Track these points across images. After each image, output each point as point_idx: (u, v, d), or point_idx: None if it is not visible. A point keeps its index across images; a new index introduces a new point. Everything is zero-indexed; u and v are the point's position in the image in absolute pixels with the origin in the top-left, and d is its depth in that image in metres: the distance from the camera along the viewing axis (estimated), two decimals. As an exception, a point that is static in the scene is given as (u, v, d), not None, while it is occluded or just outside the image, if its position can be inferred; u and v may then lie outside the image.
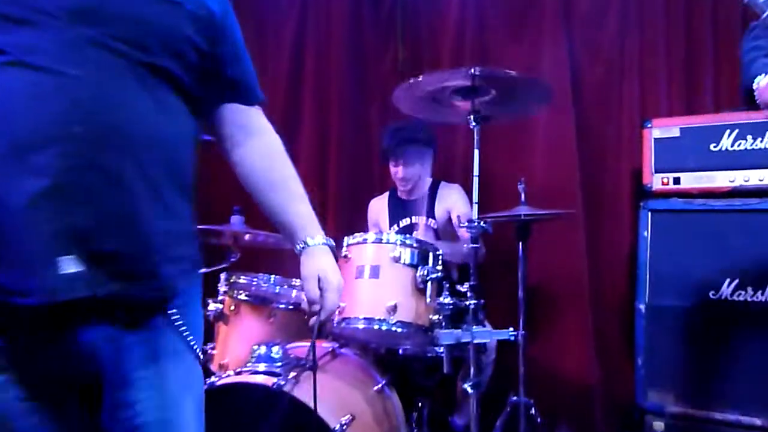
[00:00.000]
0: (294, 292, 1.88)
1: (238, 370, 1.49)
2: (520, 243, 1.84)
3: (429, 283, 1.53)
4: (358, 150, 2.56)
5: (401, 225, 2.23)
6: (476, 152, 1.60)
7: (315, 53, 2.63)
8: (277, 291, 1.86)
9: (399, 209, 2.27)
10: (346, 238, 1.61)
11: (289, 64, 2.64)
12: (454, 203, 2.15)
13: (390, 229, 2.23)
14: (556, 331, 2.23)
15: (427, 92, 1.69)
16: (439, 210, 2.18)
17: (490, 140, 2.26)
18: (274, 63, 2.65)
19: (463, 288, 1.56)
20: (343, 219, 2.50)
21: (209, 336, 1.79)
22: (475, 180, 1.58)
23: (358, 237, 1.61)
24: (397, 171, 2.16)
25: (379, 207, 2.36)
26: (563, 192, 2.24)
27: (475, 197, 1.58)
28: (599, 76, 2.31)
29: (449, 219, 2.12)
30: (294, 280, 1.90)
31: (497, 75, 1.60)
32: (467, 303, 1.53)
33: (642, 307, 1.89)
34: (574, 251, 2.23)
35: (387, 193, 2.37)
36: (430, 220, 2.19)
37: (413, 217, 2.22)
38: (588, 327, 2.20)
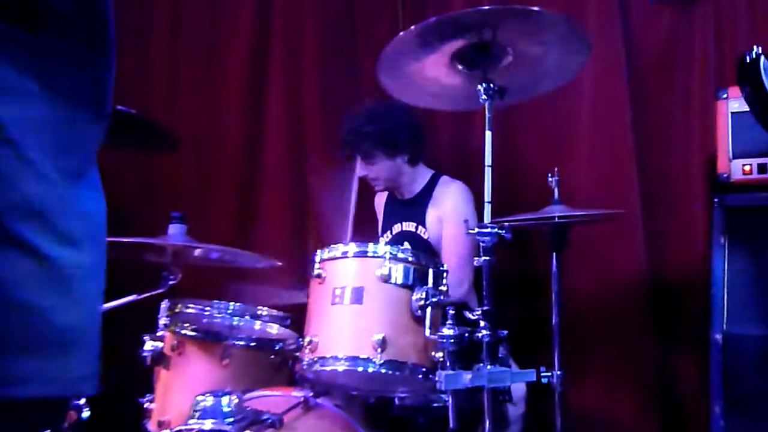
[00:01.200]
0: (257, 324, 1.92)
1: (177, 429, 1.51)
2: (554, 254, 1.86)
3: (429, 310, 1.53)
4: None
5: (394, 232, 2.28)
6: (488, 135, 1.61)
7: (285, 10, 2.71)
8: (234, 324, 1.89)
9: (393, 212, 2.33)
10: (318, 252, 1.64)
11: (252, 20, 2.72)
12: (448, 210, 2.18)
13: (382, 236, 2.27)
14: (605, 371, 2.26)
15: (419, 66, 1.72)
16: (432, 216, 2.21)
17: (510, 119, 2.36)
18: (231, 23, 2.75)
19: (475, 315, 1.57)
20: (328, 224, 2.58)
21: (146, 385, 1.83)
22: (488, 171, 1.59)
23: (335, 250, 1.63)
24: (359, 170, 2.22)
25: (379, 206, 2.43)
26: (612, 185, 2.28)
27: (488, 194, 1.59)
28: (664, 25, 2.33)
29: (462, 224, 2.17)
30: (259, 308, 1.94)
31: (515, 14, 1.58)
32: (481, 335, 1.54)
33: (719, 337, 1.90)
34: (627, 264, 2.26)
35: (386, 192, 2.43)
36: (420, 228, 2.24)
37: (404, 223, 2.27)
38: (647, 364, 2.22)
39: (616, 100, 2.32)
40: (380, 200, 2.41)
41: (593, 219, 1.98)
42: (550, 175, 1.90)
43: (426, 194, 2.27)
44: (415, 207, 2.26)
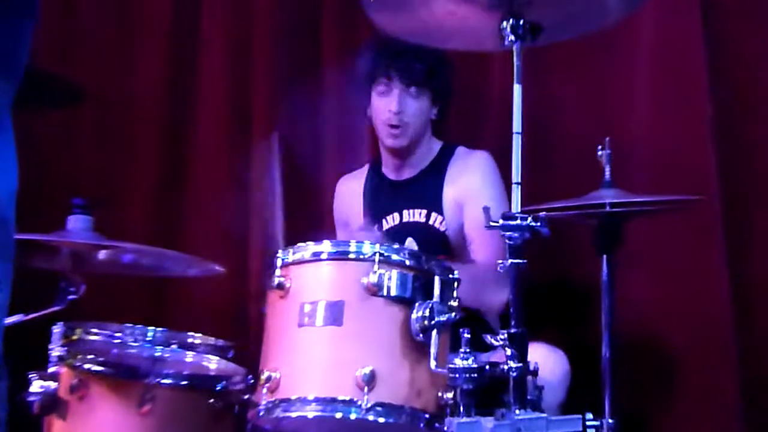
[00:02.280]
0: (189, 356, 1.91)
1: None
2: (604, 256, 1.87)
3: (434, 333, 1.54)
4: (302, 104, 2.66)
5: (387, 225, 2.29)
6: (517, 90, 1.62)
7: None
8: (157, 356, 1.88)
9: (383, 197, 2.35)
10: (280, 253, 1.65)
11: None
12: (472, 186, 2.23)
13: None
14: (672, 416, 2.26)
15: None
16: (450, 197, 2.25)
17: (543, 69, 2.36)
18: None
19: (499, 340, 1.57)
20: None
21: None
22: (517, 140, 1.60)
23: (303, 250, 1.64)
24: (388, 104, 2.25)
25: (350, 195, 2.44)
26: (684, 164, 2.29)
27: (517, 172, 1.60)
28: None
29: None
30: (190, 335, 1.93)
31: None
32: (506, 368, 1.54)
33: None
34: (702, 271, 2.27)
35: (365, 170, 2.45)
36: (434, 216, 2.26)
37: (407, 212, 2.29)
38: (730, 408, 2.22)
39: (686, 49, 2.34)
40: (352, 191, 2.43)
41: (657, 209, 1.99)
42: (599, 148, 1.90)
43: (437, 170, 2.30)
44: (424, 187, 2.29)
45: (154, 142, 2.89)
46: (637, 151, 2.25)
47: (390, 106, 2.24)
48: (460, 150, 2.32)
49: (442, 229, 2.24)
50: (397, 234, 2.24)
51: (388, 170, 2.37)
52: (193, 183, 2.85)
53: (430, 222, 2.27)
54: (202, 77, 2.87)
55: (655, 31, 2.37)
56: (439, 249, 2.18)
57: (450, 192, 2.26)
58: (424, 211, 2.27)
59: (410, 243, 2.19)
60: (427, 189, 2.28)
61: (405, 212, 2.30)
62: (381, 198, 2.37)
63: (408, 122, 2.25)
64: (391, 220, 2.31)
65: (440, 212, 2.25)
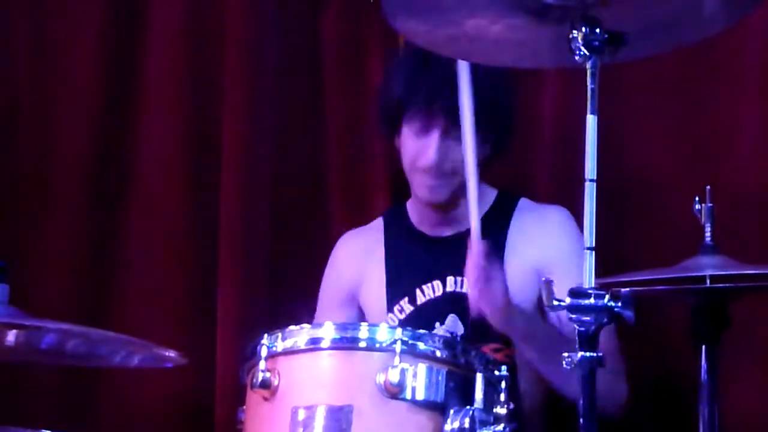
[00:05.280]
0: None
1: None
2: (703, 347, 1.89)
3: None
4: (300, 135, 2.73)
5: (419, 301, 2.27)
6: (591, 121, 1.62)
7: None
8: None
9: (417, 258, 2.34)
10: (266, 338, 1.65)
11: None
12: (562, 251, 2.22)
13: (388, 313, 2.28)
14: None
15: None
16: (517, 266, 2.22)
17: (620, 97, 2.39)
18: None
19: None
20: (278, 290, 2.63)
21: None
22: (590, 190, 1.60)
23: (296, 335, 1.65)
24: (424, 148, 2.25)
25: (362, 257, 2.43)
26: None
27: (591, 235, 1.58)
28: None
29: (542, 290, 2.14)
30: None
31: None
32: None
33: None
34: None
35: (379, 225, 2.45)
36: None
37: (452, 279, 2.26)
38: None
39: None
40: (361, 246, 2.45)
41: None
42: (697, 200, 1.92)
43: (495, 226, 2.26)
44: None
45: (80, 185, 2.88)
46: (746, 205, 2.27)
47: (428, 152, 2.22)
48: (525, 203, 2.33)
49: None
50: (438, 309, 2.24)
51: (423, 225, 2.37)
52: (134, 236, 2.84)
53: None
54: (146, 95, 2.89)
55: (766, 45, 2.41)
56: (493, 332, 2.14)
57: (519, 255, 2.24)
58: None
59: (452, 322, 2.20)
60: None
61: (449, 279, 2.27)
62: (413, 259, 2.35)
63: (452, 172, 2.23)
64: (430, 291, 2.29)
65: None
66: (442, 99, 2.20)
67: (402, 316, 2.29)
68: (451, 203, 2.29)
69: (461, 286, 2.24)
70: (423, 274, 2.31)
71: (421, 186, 2.28)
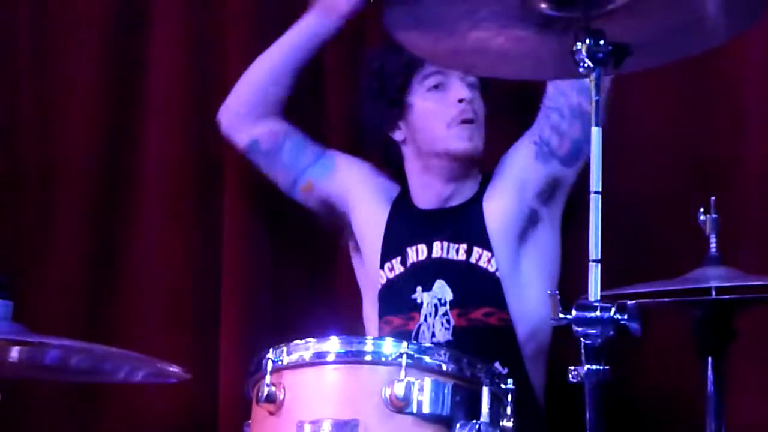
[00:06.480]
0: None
1: None
2: (709, 359, 1.89)
3: None
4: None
5: (409, 262, 2.30)
6: (596, 133, 1.62)
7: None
8: None
9: (406, 225, 2.37)
10: (271, 352, 1.66)
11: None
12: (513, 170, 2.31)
13: (382, 267, 2.32)
14: None
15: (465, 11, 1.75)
16: (495, 205, 2.29)
17: (623, 106, 2.36)
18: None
19: None
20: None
21: None
22: (596, 202, 1.60)
23: (302, 349, 1.65)
24: (451, 95, 2.32)
25: (372, 187, 2.49)
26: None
27: (596, 247, 1.58)
28: None
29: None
30: None
31: None
32: None
33: None
34: None
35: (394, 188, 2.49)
36: (477, 252, 2.26)
37: (441, 245, 2.29)
38: None
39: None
40: (364, 174, 2.51)
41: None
42: (701, 211, 1.93)
43: (479, 198, 2.33)
44: (469, 219, 2.30)
45: (82, 199, 2.88)
46: (751, 216, 2.27)
47: (459, 95, 2.28)
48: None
49: (491, 269, 2.25)
50: (426, 272, 2.27)
51: (424, 198, 2.38)
52: (138, 251, 2.84)
53: (473, 260, 2.27)
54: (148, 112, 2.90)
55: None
56: (483, 296, 2.21)
57: (494, 201, 2.29)
58: (464, 246, 2.27)
59: (440, 287, 2.23)
60: (471, 222, 2.30)
61: (435, 245, 2.30)
62: (407, 225, 2.38)
63: (481, 118, 2.31)
64: (414, 254, 2.32)
65: (487, 247, 2.26)
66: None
67: (392, 275, 2.33)
68: (471, 162, 2.35)
69: (447, 252, 2.29)
70: (413, 238, 2.34)
71: (457, 138, 2.30)
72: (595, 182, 1.61)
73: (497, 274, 2.25)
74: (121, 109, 2.90)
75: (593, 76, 1.65)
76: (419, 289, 2.28)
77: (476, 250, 2.26)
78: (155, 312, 2.75)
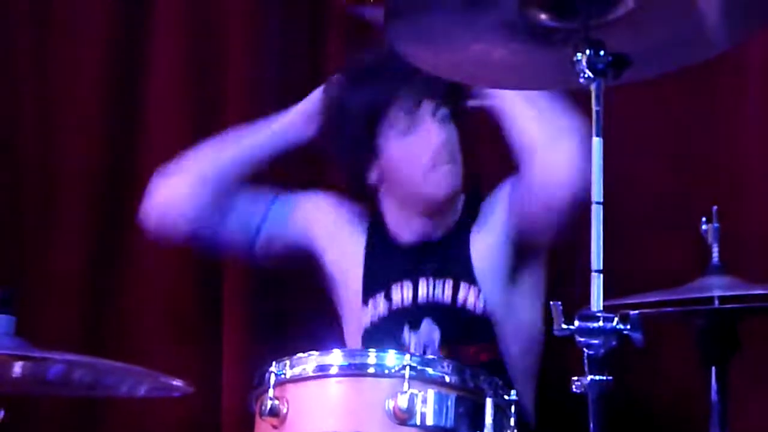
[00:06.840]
0: None
1: None
2: (713, 369, 1.88)
3: None
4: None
5: (394, 300, 2.25)
6: (597, 144, 1.62)
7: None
8: None
9: (388, 260, 2.30)
10: (274, 365, 1.66)
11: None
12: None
13: (366, 304, 2.27)
14: None
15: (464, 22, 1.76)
16: (482, 245, 2.23)
17: (622, 114, 2.37)
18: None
19: None
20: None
21: None
22: (597, 212, 1.60)
23: (305, 363, 1.65)
24: (424, 138, 2.23)
25: (336, 220, 2.40)
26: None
27: (598, 257, 1.58)
28: None
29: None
30: None
31: None
32: None
33: None
34: None
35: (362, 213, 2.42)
36: (464, 290, 2.21)
37: (427, 282, 2.24)
38: None
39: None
40: (328, 206, 2.43)
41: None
42: (704, 220, 1.93)
43: (468, 223, 2.27)
44: (455, 252, 2.24)
45: (84, 209, 2.88)
46: (754, 225, 2.27)
47: (432, 139, 2.21)
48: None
49: (479, 307, 2.20)
50: (412, 314, 2.23)
51: (400, 231, 2.31)
52: (139, 265, 2.84)
53: (461, 299, 2.22)
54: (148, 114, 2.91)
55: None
56: (473, 334, 2.19)
57: (482, 237, 2.24)
58: (449, 282, 2.22)
59: (427, 328, 2.20)
60: (459, 250, 2.25)
61: (421, 282, 2.24)
62: (389, 260, 2.31)
63: (457, 155, 2.25)
64: (398, 293, 2.26)
65: (473, 281, 2.22)
66: (423, 87, 2.20)
67: (376, 317, 2.26)
68: (452, 200, 2.29)
69: (434, 290, 2.23)
70: (397, 274, 2.27)
71: (437, 185, 2.23)
72: (596, 193, 1.61)
73: (486, 311, 2.20)
74: (121, 109, 2.91)
75: (594, 86, 1.65)
76: (406, 328, 2.23)
77: (463, 286, 2.22)
78: (158, 325, 2.76)
